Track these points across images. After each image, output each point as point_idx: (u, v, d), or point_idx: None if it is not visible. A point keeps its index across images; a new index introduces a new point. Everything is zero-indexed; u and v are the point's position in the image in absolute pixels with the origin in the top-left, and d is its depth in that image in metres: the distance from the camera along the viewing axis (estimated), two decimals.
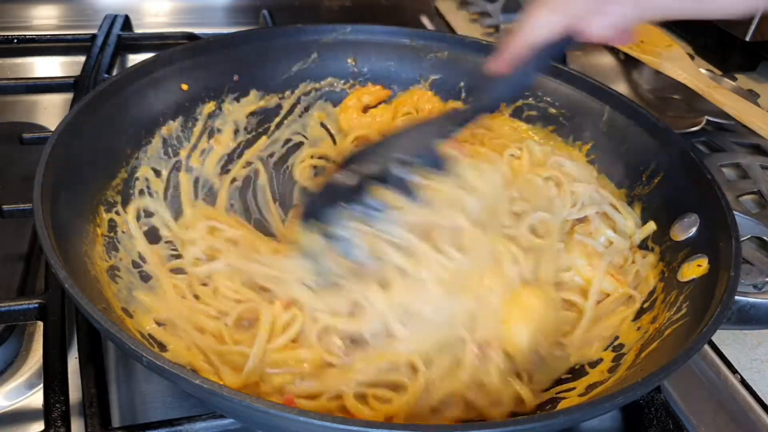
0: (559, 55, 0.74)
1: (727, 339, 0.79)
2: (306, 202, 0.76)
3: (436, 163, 0.73)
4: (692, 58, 1.24)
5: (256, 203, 0.90)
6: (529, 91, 0.98)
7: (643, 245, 0.82)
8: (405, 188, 0.72)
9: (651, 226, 0.82)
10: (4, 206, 0.78)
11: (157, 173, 0.86)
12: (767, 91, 1.26)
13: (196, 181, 0.89)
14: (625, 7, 0.62)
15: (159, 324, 0.68)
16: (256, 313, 0.69)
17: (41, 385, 0.65)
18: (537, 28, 0.66)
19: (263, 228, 0.86)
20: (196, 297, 0.73)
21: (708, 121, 1.10)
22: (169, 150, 0.88)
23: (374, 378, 0.65)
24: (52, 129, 0.74)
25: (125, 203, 0.79)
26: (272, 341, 0.66)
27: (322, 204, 0.73)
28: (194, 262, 0.76)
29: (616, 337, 0.73)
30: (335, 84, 1.03)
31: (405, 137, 0.76)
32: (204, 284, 0.75)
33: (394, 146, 0.74)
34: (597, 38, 0.65)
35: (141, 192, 0.82)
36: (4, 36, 1.21)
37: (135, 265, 0.75)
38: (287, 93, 1.00)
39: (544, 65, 0.73)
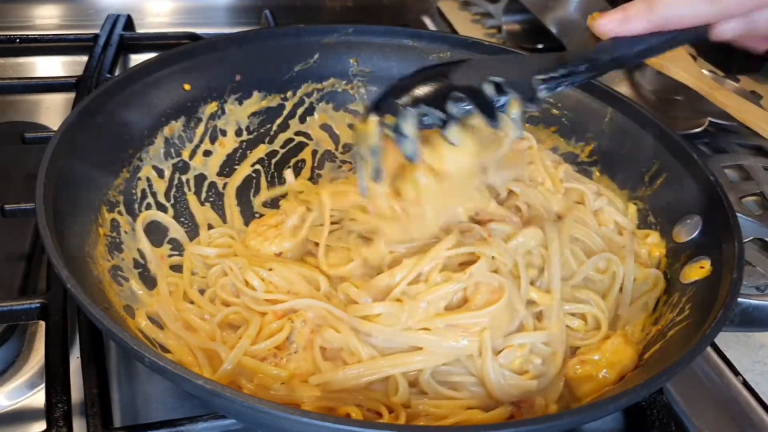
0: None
1: (729, 341, 0.79)
2: (386, 91, 0.67)
3: (531, 98, 0.65)
4: (695, 59, 1.24)
5: (257, 203, 0.90)
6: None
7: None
8: (490, 111, 0.65)
9: (632, 207, 0.85)
10: (6, 206, 0.78)
11: (160, 173, 0.86)
12: None
13: (199, 181, 0.89)
14: None
15: (151, 319, 0.69)
16: (243, 318, 0.70)
17: (43, 384, 0.65)
18: (677, 7, 0.58)
19: None
20: (191, 302, 0.73)
21: (710, 122, 1.09)
22: (172, 150, 0.88)
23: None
24: (55, 129, 0.74)
25: (131, 211, 0.79)
26: (256, 344, 0.66)
27: (401, 97, 0.65)
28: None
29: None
30: (337, 85, 1.03)
31: (504, 63, 0.69)
32: (201, 290, 0.75)
33: (491, 68, 0.66)
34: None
35: (144, 192, 0.83)
36: (6, 35, 1.21)
37: (136, 265, 0.75)
38: (289, 93, 1.00)
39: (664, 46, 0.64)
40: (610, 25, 0.61)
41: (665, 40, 0.62)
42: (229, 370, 0.64)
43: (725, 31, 0.61)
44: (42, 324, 0.71)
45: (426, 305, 0.66)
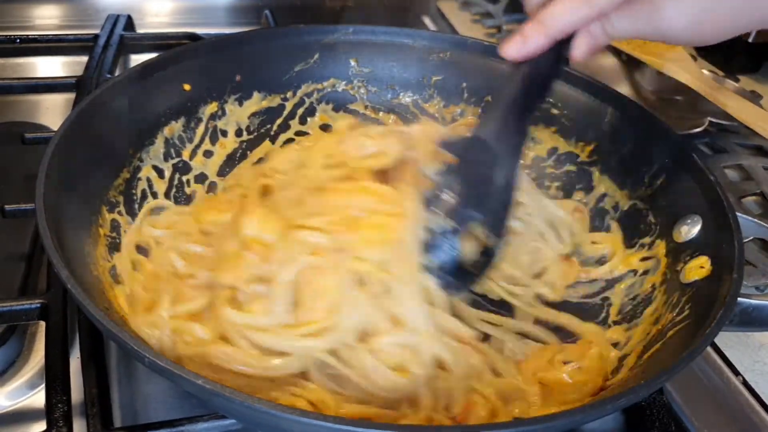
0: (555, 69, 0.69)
1: (729, 341, 0.79)
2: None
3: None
4: (695, 59, 1.24)
5: None
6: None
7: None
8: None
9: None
10: (6, 206, 0.78)
11: (160, 173, 0.86)
12: None
13: (199, 181, 0.90)
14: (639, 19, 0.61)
15: None
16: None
17: (43, 385, 0.65)
18: (563, 16, 0.63)
19: None
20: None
21: (710, 122, 1.10)
22: (172, 150, 0.88)
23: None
24: (55, 129, 0.74)
25: (131, 211, 0.80)
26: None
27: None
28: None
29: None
30: (337, 85, 1.03)
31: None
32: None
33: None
34: (607, 42, 0.65)
35: (144, 193, 0.83)
36: (6, 36, 1.21)
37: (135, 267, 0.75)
38: (289, 94, 1.00)
39: (558, 65, 0.68)
40: (513, 50, 0.66)
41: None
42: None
43: (617, 30, 0.64)
44: (42, 324, 0.71)
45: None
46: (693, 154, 0.80)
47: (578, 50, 0.66)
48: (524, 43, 0.65)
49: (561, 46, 0.65)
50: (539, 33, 0.64)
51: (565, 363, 0.69)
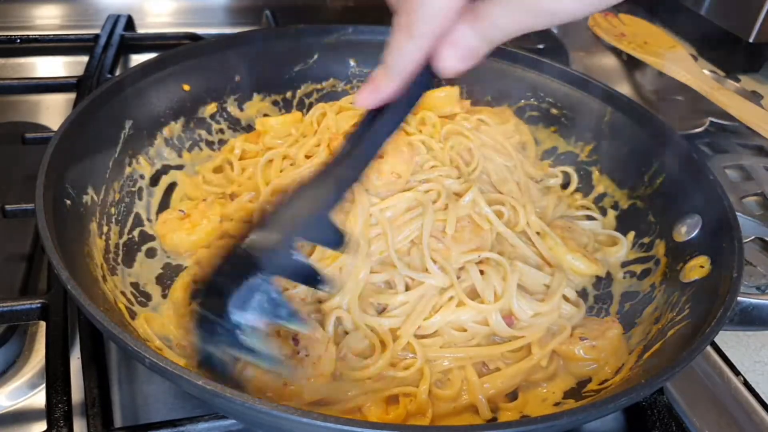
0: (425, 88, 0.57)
1: (730, 341, 0.79)
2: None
3: (335, 241, 0.58)
4: (695, 59, 1.24)
5: None
6: (531, 92, 0.98)
7: None
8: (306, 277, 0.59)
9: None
10: (6, 206, 0.78)
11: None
12: None
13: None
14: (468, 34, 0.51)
15: None
16: None
17: (43, 385, 0.65)
18: (400, 58, 0.53)
19: None
20: None
21: (711, 122, 1.09)
22: (172, 151, 0.88)
23: None
24: (55, 129, 0.74)
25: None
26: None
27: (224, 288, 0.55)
28: None
29: None
30: (337, 85, 1.03)
31: (298, 213, 0.57)
32: None
33: (289, 226, 0.57)
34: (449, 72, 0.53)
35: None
36: (6, 36, 1.21)
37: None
38: (289, 94, 1.00)
39: (413, 98, 0.57)
40: (367, 99, 0.57)
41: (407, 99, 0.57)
42: None
43: (497, 31, 0.52)
44: (42, 324, 0.71)
45: None
46: (693, 154, 0.80)
47: (448, 64, 0.53)
48: (377, 91, 0.56)
49: (425, 71, 0.54)
50: (387, 78, 0.55)
51: (581, 339, 0.70)
